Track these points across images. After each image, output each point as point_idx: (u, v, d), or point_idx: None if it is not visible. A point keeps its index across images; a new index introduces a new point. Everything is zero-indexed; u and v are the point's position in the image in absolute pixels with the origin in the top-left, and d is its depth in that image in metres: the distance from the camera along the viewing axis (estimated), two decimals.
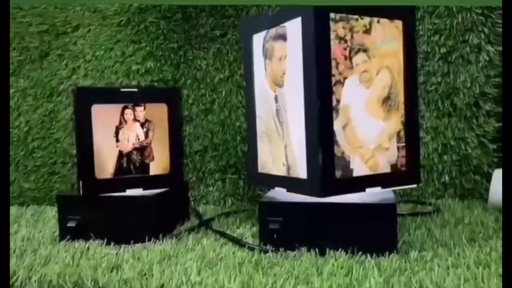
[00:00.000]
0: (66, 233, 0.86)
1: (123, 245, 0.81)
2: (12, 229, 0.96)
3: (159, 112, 0.93)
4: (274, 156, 0.86)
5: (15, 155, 1.26)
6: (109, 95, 0.89)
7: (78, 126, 0.84)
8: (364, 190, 0.77)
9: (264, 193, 1.14)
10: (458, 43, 1.11)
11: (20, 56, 1.29)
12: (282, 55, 0.81)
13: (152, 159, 0.92)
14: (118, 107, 0.88)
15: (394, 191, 0.80)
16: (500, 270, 0.64)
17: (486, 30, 1.09)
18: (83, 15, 1.26)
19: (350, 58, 0.76)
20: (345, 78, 0.75)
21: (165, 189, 0.92)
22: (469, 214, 0.96)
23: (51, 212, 1.11)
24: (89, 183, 0.85)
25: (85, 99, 0.85)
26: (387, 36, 0.79)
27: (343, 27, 0.75)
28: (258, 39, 0.87)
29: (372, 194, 0.77)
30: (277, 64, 0.83)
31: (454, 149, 1.12)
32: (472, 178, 1.11)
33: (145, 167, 0.91)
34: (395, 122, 0.80)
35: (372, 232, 0.74)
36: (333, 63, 0.74)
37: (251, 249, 0.78)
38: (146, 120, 0.91)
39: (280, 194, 0.83)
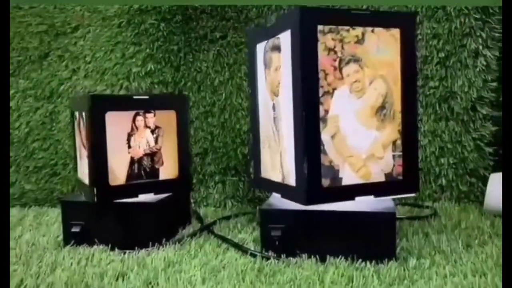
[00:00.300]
0: (70, 238, 0.87)
1: (127, 251, 0.83)
2: (15, 233, 0.97)
3: (168, 118, 0.95)
4: (272, 163, 0.88)
5: (15, 156, 1.26)
6: (122, 103, 0.90)
7: (92, 133, 0.85)
8: (353, 199, 0.78)
9: (264, 195, 1.17)
10: (456, 47, 1.12)
11: (20, 57, 1.29)
12: (277, 65, 0.83)
13: (162, 164, 0.94)
14: (130, 114, 0.90)
15: (393, 199, 0.81)
16: (496, 279, 0.66)
17: (484, 35, 1.10)
18: (82, 15, 1.26)
19: (340, 69, 0.77)
20: (334, 89, 0.76)
21: (168, 194, 0.93)
22: (465, 218, 0.98)
23: (53, 214, 1.12)
24: (103, 190, 0.86)
25: (99, 106, 0.86)
26: (382, 45, 0.79)
27: (333, 39, 0.76)
28: (260, 48, 0.89)
29: (373, 203, 0.79)
30: (274, 74, 0.85)
31: (451, 152, 1.14)
32: (468, 181, 1.13)
33: (155, 172, 0.93)
34: (391, 131, 0.80)
35: (372, 240, 0.76)
36: (322, 74, 0.76)
37: (253, 255, 0.79)
38: (156, 127, 0.93)
39: (278, 199, 0.85)
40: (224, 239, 0.88)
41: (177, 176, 0.96)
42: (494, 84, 1.11)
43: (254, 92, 0.92)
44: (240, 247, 0.83)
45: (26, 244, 0.88)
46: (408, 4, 1.13)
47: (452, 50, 1.12)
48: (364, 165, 0.79)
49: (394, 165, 0.80)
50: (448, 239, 0.85)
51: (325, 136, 0.76)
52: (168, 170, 0.95)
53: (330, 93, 0.76)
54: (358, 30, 0.77)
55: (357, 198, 0.78)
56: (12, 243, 0.89)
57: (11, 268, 0.75)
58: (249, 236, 0.90)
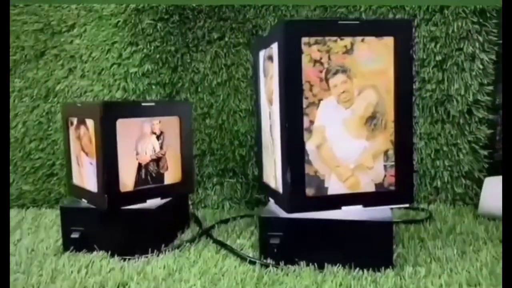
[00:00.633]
0: (70, 244, 0.88)
1: (126, 258, 0.83)
2: (15, 237, 0.97)
3: (172, 124, 0.96)
4: (269, 169, 0.89)
5: (12, 156, 1.26)
6: (132, 110, 0.90)
7: (104, 141, 0.85)
8: (340, 208, 0.79)
9: (262, 197, 1.18)
10: (453, 51, 1.12)
11: (15, 56, 1.28)
12: (271, 74, 0.83)
13: (167, 169, 0.96)
14: (138, 120, 0.90)
15: (391, 208, 0.82)
16: None
17: (480, 38, 1.11)
18: (78, 14, 1.25)
19: (327, 80, 0.77)
20: (320, 100, 0.77)
21: (168, 199, 0.94)
22: (460, 222, 1.00)
23: (51, 216, 1.13)
24: (114, 196, 0.86)
25: (111, 114, 0.86)
26: (373, 55, 0.78)
27: (319, 50, 0.76)
28: (261, 56, 0.89)
29: (371, 212, 0.79)
30: (269, 83, 0.85)
31: (446, 154, 1.15)
32: (463, 183, 1.14)
33: (160, 177, 0.95)
34: (382, 141, 0.80)
35: (369, 248, 0.77)
36: (307, 85, 0.76)
37: (252, 263, 0.80)
38: (161, 132, 0.94)
39: (276, 206, 0.86)
40: (222, 245, 0.89)
41: (180, 180, 0.98)
42: (490, 87, 1.12)
43: (258, 98, 0.93)
44: (239, 255, 0.84)
45: (26, 250, 0.89)
46: (410, 4, 1.13)
47: (449, 53, 1.13)
48: (352, 175, 0.80)
49: (385, 175, 0.80)
50: (443, 245, 0.86)
51: (310, 146, 0.78)
52: (172, 174, 0.96)
53: (315, 104, 0.77)
54: (347, 40, 0.77)
55: (348, 208, 0.79)
56: (11, 248, 0.90)
57: (12, 277, 0.76)
58: (247, 241, 0.91)
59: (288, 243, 0.80)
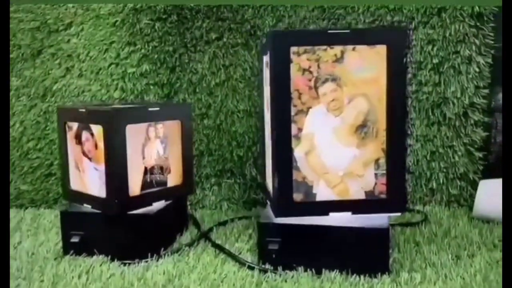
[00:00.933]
0: (70, 248, 0.89)
1: (126, 262, 0.84)
2: (14, 239, 0.98)
3: (174, 127, 0.98)
4: (268, 172, 0.91)
5: (10, 156, 1.26)
6: (139, 115, 0.91)
7: (114, 146, 0.86)
8: (327, 214, 0.81)
9: (259, 197, 1.19)
10: (450, 54, 1.13)
11: (12, 54, 1.27)
12: (267, 81, 0.84)
13: (169, 172, 0.97)
14: (144, 125, 0.91)
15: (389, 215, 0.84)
16: None
17: (477, 42, 1.11)
18: (75, 13, 1.24)
19: (316, 88, 0.78)
20: (309, 108, 0.78)
21: (167, 203, 0.95)
22: (455, 225, 1.01)
23: (50, 217, 1.13)
24: (123, 201, 0.87)
25: (121, 120, 0.86)
26: (364, 63, 0.78)
27: (308, 59, 0.77)
28: (264, 62, 0.91)
29: (367, 218, 0.80)
30: (266, 89, 0.86)
31: (442, 156, 1.16)
32: (458, 185, 1.16)
33: (164, 180, 0.96)
34: (373, 149, 0.80)
35: (366, 254, 0.78)
36: (296, 94, 0.78)
37: (251, 268, 0.82)
38: (165, 136, 0.95)
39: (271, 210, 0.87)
40: (221, 249, 0.90)
41: (181, 182, 0.99)
42: (486, 90, 1.13)
43: (262, 101, 0.95)
44: (237, 259, 0.85)
45: (26, 254, 0.90)
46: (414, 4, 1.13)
47: (446, 56, 1.13)
48: (341, 182, 0.81)
49: (376, 183, 0.81)
50: (438, 249, 0.88)
51: (298, 152, 0.79)
52: (174, 177, 0.98)
53: (304, 112, 0.79)
54: (337, 49, 0.78)
55: (337, 214, 0.81)
56: (11, 252, 0.90)
57: (14, 283, 0.77)
58: (245, 245, 0.93)
59: (286, 248, 0.81)
